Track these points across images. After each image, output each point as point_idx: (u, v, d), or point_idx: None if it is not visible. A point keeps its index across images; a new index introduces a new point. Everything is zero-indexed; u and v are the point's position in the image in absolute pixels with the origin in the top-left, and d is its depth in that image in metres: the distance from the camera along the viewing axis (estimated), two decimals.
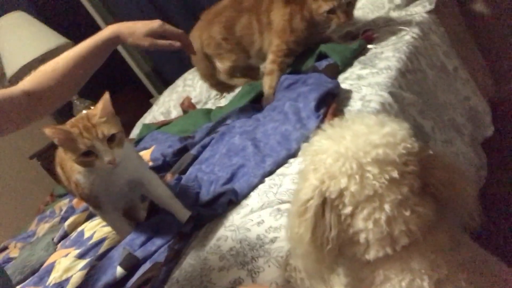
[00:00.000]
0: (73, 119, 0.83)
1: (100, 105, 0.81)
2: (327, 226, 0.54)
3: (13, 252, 1.45)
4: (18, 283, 1.13)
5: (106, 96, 0.82)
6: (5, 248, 1.58)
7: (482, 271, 0.54)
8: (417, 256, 0.54)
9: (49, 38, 2.34)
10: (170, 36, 1.02)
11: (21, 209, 2.46)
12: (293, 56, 1.30)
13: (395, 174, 0.51)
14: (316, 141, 0.58)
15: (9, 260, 1.41)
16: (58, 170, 0.99)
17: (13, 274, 1.18)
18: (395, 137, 0.53)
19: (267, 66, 1.29)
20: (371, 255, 0.54)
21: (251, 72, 1.49)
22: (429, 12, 1.36)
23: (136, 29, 0.99)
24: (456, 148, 1.14)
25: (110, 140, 0.80)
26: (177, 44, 1.02)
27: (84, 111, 0.91)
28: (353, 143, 0.53)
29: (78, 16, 2.73)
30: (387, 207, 0.51)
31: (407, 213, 0.52)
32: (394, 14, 1.41)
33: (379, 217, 0.52)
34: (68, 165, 0.91)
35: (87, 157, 0.79)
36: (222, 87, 1.64)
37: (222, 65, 1.48)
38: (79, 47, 0.96)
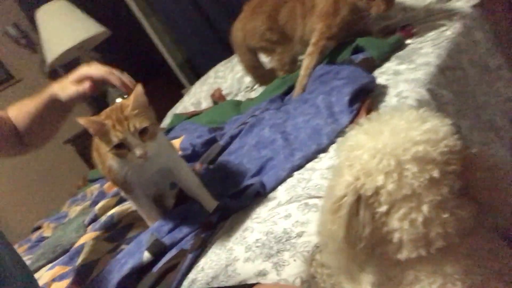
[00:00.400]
0: (108, 109, 0.83)
1: (132, 97, 0.80)
2: (361, 224, 0.53)
3: (47, 232, 1.51)
4: (50, 261, 1.17)
5: (139, 88, 0.80)
6: (39, 228, 1.65)
7: None
8: (451, 260, 0.52)
9: (88, 26, 2.41)
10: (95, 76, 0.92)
11: (54, 191, 2.56)
12: (335, 41, 1.26)
13: (435, 173, 0.49)
14: (352, 136, 0.56)
15: (42, 238, 1.47)
16: (94, 154, 1.01)
17: (46, 253, 1.22)
18: (437, 134, 0.50)
19: (308, 48, 1.26)
20: (403, 255, 0.52)
21: (297, 61, 1.45)
22: (473, 6, 1.29)
23: (65, 82, 0.93)
24: (494, 151, 1.09)
25: (142, 133, 0.79)
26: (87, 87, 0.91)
27: (118, 100, 0.91)
28: (391, 139, 0.51)
29: (116, 6, 2.79)
30: (425, 208, 0.49)
31: (446, 215, 0.50)
32: (436, 8, 1.36)
33: (416, 217, 0.50)
34: (103, 151, 0.93)
35: (119, 149, 0.79)
36: (265, 80, 1.62)
37: (271, 58, 1.45)
38: (37, 99, 0.95)
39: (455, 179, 0.50)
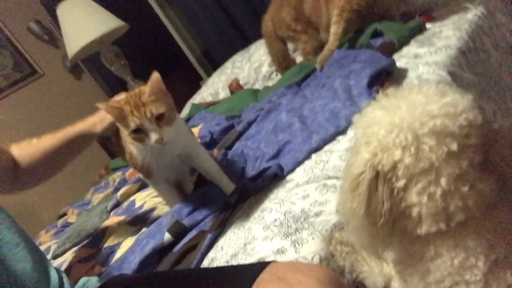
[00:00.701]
0: (127, 95, 0.85)
1: (148, 84, 0.81)
2: (380, 200, 0.52)
3: (71, 218, 1.56)
4: (75, 245, 1.21)
5: (155, 75, 0.82)
6: (64, 214, 1.70)
7: None
8: (474, 234, 0.51)
9: (107, 20, 2.44)
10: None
11: (78, 180, 2.62)
12: (358, 15, 1.25)
13: (454, 146, 0.48)
14: (369, 112, 0.55)
15: (67, 224, 1.52)
16: (118, 140, 1.03)
17: (70, 237, 1.26)
18: (456, 108, 0.49)
19: (333, 19, 1.24)
20: (423, 229, 0.52)
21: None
22: None
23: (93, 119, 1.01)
24: None
25: (159, 118, 0.81)
26: None
27: None
28: (409, 113, 0.50)
29: (135, 0, 2.83)
30: (443, 181, 0.49)
31: (465, 189, 0.49)
32: None
33: (434, 191, 0.49)
34: (124, 136, 0.95)
35: (137, 134, 0.81)
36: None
37: (296, 47, 1.47)
38: (54, 137, 1.00)
39: (476, 152, 0.49)
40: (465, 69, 1.00)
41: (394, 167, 0.51)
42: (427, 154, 0.48)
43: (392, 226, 0.54)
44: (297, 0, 1.38)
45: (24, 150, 1.00)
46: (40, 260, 0.70)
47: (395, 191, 0.52)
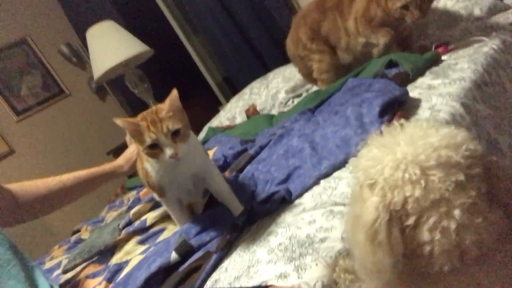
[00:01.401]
0: (144, 112, 0.88)
1: (167, 100, 0.84)
2: (395, 242, 0.49)
3: (84, 234, 1.58)
4: (85, 260, 1.23)
5: (174, 92, 0.85)
6: (78, 230, 1.73)
7: None
8: (486, 270, 0.49)
9: (133, 45, 2.55)
10: None
11: (95, 198, 2.67)
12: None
13: (461, 177, 0.47)
14: (366, 153, 0.54)
15: (80, 240, 1.54)
16: (137, 157, 1.06)
17: (81, 252, 1.28)
18: (456, 138, 0.49)
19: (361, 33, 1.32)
20: (435, 268, 0.49)
21: (340, 72, 1.49)
22: None
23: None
24: None
25: (175, 134, 0.83)
26: None
27: None
28: (410, 148, 0.49)
29: (160, 26, 2.95)
30: (457, 212, 0.47)
31: (479, 220, 0.47)
32: (473, 27, 1.34)
33: (448, 225, 0.47)
34: (140, 154, 0.98)
35: (152, 149, 0.83)
36: None
37: (312, 65, 1.51)
38: (79, 173, 1.19)
39: (481, 182, 0.48)
40: (480, 101, 1.00)
41: (404, 204, 0.49)
42: (436, 185, 0.47)
43: (403, 265, 0.51)
44: (314, 21, 1.42)
45: (28, 188, 1.10)
46: (31, 277, 0.70)
47: (406, 231, 0.49)
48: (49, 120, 3.22)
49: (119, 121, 0.81)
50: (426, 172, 0.48)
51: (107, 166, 1.24)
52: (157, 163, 0.91)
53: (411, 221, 0.48)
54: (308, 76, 1.61)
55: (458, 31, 1.34)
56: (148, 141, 0.81)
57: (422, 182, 0.48)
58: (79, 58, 3.46)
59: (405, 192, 0.48)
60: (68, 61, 3.40)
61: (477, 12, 1.34)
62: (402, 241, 0.49)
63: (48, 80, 3.31)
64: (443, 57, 1.23)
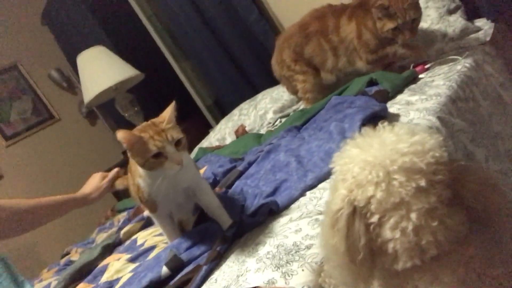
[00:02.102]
0: (139, 127, 0.90)
1: (168, 112, 0.89)
2: (357, 235, 0.55)
3: (74, 256, 1.58)
4: (75, 280, 1.23)
5: (173, 104, 0.90)
6: (67, 253, 1.72)
7: None
8: (447, 269, 0.53)
9: (123, 69, 2.60)
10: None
11: (84, 221, 2.66)
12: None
13: (422, 182, 0.51)
14: (346, 150, 0.59)
15: (70, 262, 1.53)
16: (128, 174, 1.08)
17: (72, 273, 1.28)
18: (424, 146, 0.53)
19: (369, 60, 1.39)
20: (399, 265, 0.54)
21: (324, 91, 1.55)
22: (484, 44, 1.35)
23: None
24: None
25: (177, 144, 0.87)
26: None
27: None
28: (380, 151, 0.54)
29: (150, 51, 3.01)
30: (413, 215, 0.51)
31: (435, 224, 0.51)
32: (447, 47, 1.42)
33: (406, 226, 0.52)
34: (133, 169, 1.00)
35: (156, 158, 0.85)
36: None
37: (296, 85, 1.57)
38: (49, 199, 1.27)
39: (444, 188, 0.52)
40: (455, 115, 1.06)
41: (368, 202, 0.53)
42: (397, 189, 0.51)
43: (371, 263, 0.56)
44: (297, 44, 1.50)
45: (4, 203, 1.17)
46: None
47: (371, 227, 0.54)
48: (38, 145, 3.22)
49: (120, 134, 0.83)
50: (390, 175, 0.52)
51: (77, 194, 1.34)
52: (150, 177, 0.93)
53: (374, 219, 0.53)
54: (296, 94, 1.68)
55: (433, 51, 1.42)
56: (154, 149, 0.83)
57: (384, 185, 0.52)
58: (70, 83, 3.50)
59: (367, 192, 0.53)
60: (59, 86, 3.44)
61: (450, 33, 1.43)
62: (365, 236, 0.54)
63: (38, 105, 3.33)
64: (421, 75, 1.30)
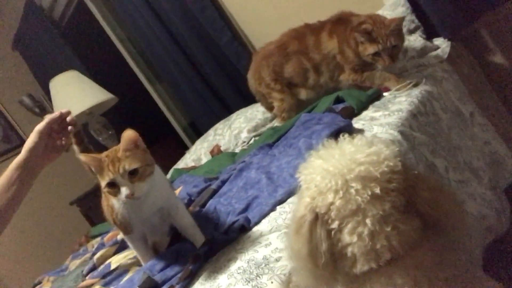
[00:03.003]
0: (112, 148, 0.88)
1: (121, 141, 0.85)
2: (319, 240, 0.58)
3: (46, 286, 1.53)
4: None
5: (126, 132, 0.85)
6: (39, 283, 1.66)
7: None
8: (400, 272, 0.56)
9: (97, 93, 2.60)
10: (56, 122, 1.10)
11: (57, 250, 2.59)
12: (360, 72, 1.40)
13: (377, 190, 0.55)
14: (310, 161, 0.64)
15: None
16: (103, 195, 1.07)
17: None
18: (379, 156, 0.58)
19: (352, 80, 1.41)
20: (357, 269, 0.57)
21: (299, 108, 1.56)
22: (442, 62, 1.43)
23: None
24: (473, 189, 1.15)
25: (133, 174, 0.83)
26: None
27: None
28: (339, 161, 0.58)
29: (124, 74, 3.02)
30: (368, 221, 0.55)
31: (388, 229, 0.55)
32: (409, 65, 1.49)
33: (362, 231, 0.56)
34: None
35: (111, 188, 0.84)
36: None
37: (273, 103, 1.59)
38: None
39: (398, 196, 0.57)
40: (416, 129, 1.11)
41: (328, 209, 0.57)
42: (354, 196, 0.56)
43: (333, 267, 0.59)
44: (276, 64, 1.52)
45: None
46: None
47: (332, 233, 0.58)
48: None
49: (82, 157, 0.83)
50: (348, 183, 0.56)
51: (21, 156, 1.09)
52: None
53: (335, 225, 0.57)
54: (271, 110, 1.71)
55: (396, 69, 1.49)
56: (107, 179, 0.83)
57: (341, 192, 0.56)
58: (42, 108, 3.45)
59: (327, 199, 0.57)
60: (31, 112, 3.38)
61: (411, 52, 1.51)
62: (327, 241, 0.57)
63: (8, 132, 3.26)
64: (385, 94, 1.36)
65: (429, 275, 0.55)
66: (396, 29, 1.26)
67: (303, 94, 1.54)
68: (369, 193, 0.55)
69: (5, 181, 1.09)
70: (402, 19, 1.28)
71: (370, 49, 1.28)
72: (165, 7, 2.33)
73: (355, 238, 0.55)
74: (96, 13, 2.83)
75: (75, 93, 2.55)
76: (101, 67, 3.24)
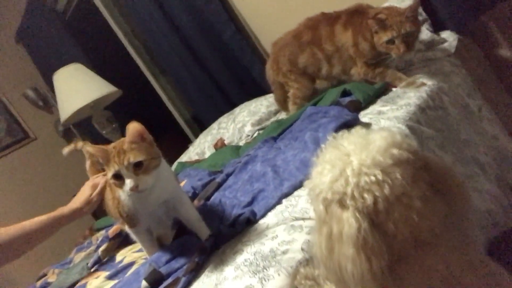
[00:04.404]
0: (120, 140, 0.88)
1: (127, 133, 0.85)
2: (378, 245, 0.54)
3: (51, 278, 1.53)
4: None
5: (132, 124, 0.84)
6: (44, 275, 1.67)
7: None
8: (433, 255, 0.55)
9: (100, 86, 2.59)
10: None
11: (62, 242, 2.59)
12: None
13: (412, 170, 0.54)
14: (320, 171, 0.59)
15: (47, 285, 1.49)
16: (107, 188, 1.07)
17: None
18: (395, 138, 0.56)
19: (363, 73, 1.39)
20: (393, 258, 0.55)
21: (312, 97, 1.57)
22: (450, 55, 1.41)
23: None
24: (479, 184, 1.14)
25: (137, 166, 0.83)
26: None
27: None
28: (363, 154, 0.55)
29: (128, 67, 3.01)
30: (417, 203, 0.53)
31: (430, 208, 0.54)
32: (415, 59, 1.48)
33: (410, 215, 0.53)
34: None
35: (116, 179, 0.84)
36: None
37: (290, 90, 1.59)
38: (33, 222, 1.21)
39: (423, 174, 0.55)
40: (424, 124, 1.10)
41: (375, 203, 0.53)
42: (400, 181, 0.52)
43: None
44: (292, 54, 1.52)
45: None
46: None
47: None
48: (13, 166, 3.15)
49: (89, 148, 0.83)
50: (387, 171, 0.53)
51: (65, 210, 1.24)
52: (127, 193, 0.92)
53: (381, 218, 0.53)
54: (282, 102, 1.71)
55: (403, 62, 1.48)
56: (112, 171, 0.82)
57: (389, 180, 0.52)
58: (46, 101, 3.45)
59: (374, 192, 0.52)
60: (34, 105, 3.38)
61: (418, 45, 1.49)
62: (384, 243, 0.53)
63: (12, 125, 3.27)
64: (394, 89, 1.35)
65: (459, 256, 0.54)
66: (411, 15, 1.21)
67: (318, 82, 1.55)
68: (410, 174, 0.53)
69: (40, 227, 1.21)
70: (417, 4, 1.23)
71: (384, 37, 1.23)
72: (169, 0, 2.32)
73: (401, 226, 0.53)
74: (100, 5, 2.81)
75: (78, 86, 2.55)
76: (105, 60, 3.23)
